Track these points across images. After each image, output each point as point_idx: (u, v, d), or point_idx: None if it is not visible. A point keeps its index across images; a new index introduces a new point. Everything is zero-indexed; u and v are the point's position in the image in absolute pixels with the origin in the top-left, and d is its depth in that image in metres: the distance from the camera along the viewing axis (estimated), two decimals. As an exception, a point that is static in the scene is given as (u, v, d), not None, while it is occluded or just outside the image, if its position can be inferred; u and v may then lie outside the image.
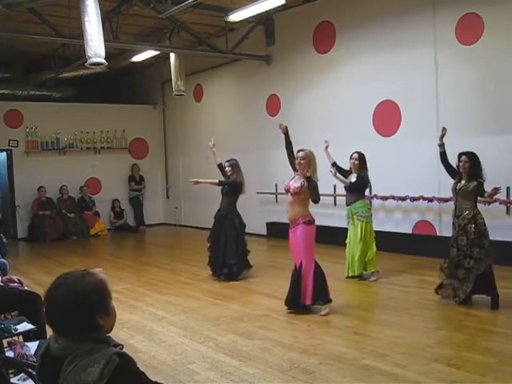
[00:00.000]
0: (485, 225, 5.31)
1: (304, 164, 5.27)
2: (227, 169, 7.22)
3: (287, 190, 5.40)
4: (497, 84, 7.12)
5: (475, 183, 5.30)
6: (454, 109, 7.56)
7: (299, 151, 5.38)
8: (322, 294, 5.33)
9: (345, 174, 6.87)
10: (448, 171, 5.72)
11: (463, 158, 5.38)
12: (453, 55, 7.55)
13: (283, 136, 5.86)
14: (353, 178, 6.74)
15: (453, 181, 5.59)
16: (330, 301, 5.36)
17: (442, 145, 5.84)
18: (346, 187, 6.85)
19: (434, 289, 5.66)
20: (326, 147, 6.93)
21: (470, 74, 7.36)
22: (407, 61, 8.04)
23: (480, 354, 4.10)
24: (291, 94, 10.13)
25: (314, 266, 5.32)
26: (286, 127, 5.88)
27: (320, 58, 9.50)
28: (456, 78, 7.51)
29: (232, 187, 7.16)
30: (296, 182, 5.34)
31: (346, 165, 6.93)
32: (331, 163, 6.88)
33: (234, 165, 7.22)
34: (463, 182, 5.40)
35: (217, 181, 7.26)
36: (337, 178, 6.68)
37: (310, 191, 5.22)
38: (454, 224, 5.50)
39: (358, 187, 6.73)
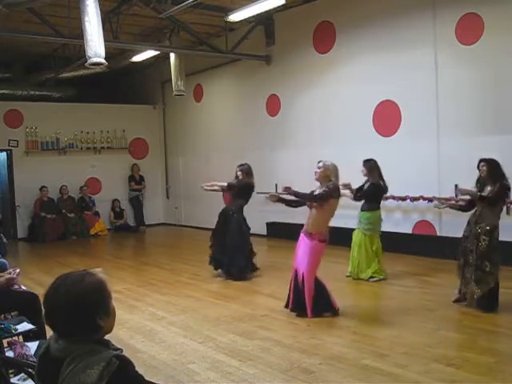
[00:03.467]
0: (498, 240, 5.18)
1: (320, 173, 5.17)
2: (238, 173, 7.22)
3: (310, 206, 5.22)
4: (497, 84, 7.12)
5: (498, 185, 5.12)
6: (454, 109, 7.56)
7: (319, 162, 5.28)
8: (326, 308, 5.26)
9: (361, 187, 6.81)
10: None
11: (482, 163, 5.25)
12: (453, 55, 7.55)
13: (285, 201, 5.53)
14: (365, 186, 6.70)
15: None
16: (337, 310, 5.27)
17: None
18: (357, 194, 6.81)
19: (452, 300, 5.51)
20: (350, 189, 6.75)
21: (470, 74, 7.35)
22: (407, 61, 8.04)
23: (480, 354, 4.09)
24: (291, 94, 10.13)
25: (314, 282, 5.20)
26: (279, 197, 5.48)
27: (320, 58, 9.49)
28: (456, 78, 7.51)
29: (239, 188, 7.14)
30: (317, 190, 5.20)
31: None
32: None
33: (244, 169, 7.21)
34: (489, 188, 5.20)
35: (225, 184, 7.27)
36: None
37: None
38: (469, 224, 5.35)
39: (367, 194, 6.67)
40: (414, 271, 7.10)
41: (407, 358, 4.04)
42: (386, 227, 8.38)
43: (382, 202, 8.48)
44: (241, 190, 7.18)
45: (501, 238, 6.91)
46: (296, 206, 5.50)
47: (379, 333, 4.72)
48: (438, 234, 7.81)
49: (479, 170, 5.29)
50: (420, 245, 7.93)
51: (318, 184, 5.26)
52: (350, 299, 5.98)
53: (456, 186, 5.72)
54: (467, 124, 7.42)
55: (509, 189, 5.25)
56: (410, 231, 8.31)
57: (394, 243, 8.15)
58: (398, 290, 6.27)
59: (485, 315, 5.05)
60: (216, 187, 7.51)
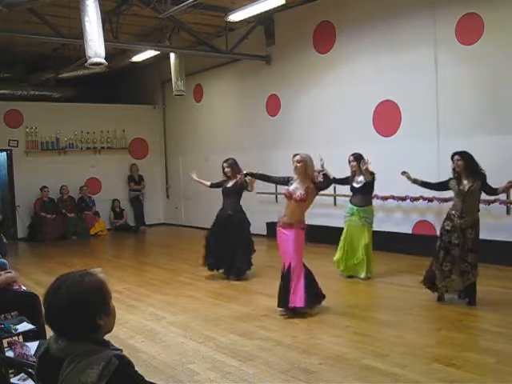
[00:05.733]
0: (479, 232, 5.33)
1: (300, 168, 5.26)
2: (226, 169, 7.19)
3: (289, 197, 5.29)
4: (497, 84, 7.12)
5: (479, 181, 5.24)
6: (454, 109, 7.56)
7: (295, 155, 5.35)
8: (315, 297, 5.31)
9: (346, 180, 6.85)
10: (438, 189, 5.82)
11: (456, 157, 5.36)
12: (453, 55, 7.55)
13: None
14: (361, 180, 6.67)
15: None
16: (324, 296, 5.37)
17: (415, 180, 5.83)
18: (352, 188, 6.79)
19: (422, 281, 5.66)
20: (322, 165, 6.82)
21: (470, 74, 7.35)
22: (407, 61, 8.04)
23: (480, 354, 4.10)
24: (291, 94, 10.13)
25: (303, 268, 5.27)
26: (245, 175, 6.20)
27: (320, 57, 9.49)
28: (456, 78, 7.51)
29: (236, 188, 7.12)
30: (298, 189, 5.23)
31: (346, 165, 6.91)
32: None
33: (233, 164, 7.19)
34: (465, 181, 5.30)
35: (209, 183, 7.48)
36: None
37: (324, 186, 5.42)
38: (450, 218, 5.38)
39: (368, 188, 6.69)
40: (414, 271, 7.08)
41: (407, 358, 4.04)
42: (386, 227, 8.42)
43: (381, 201, 8.53)
44: (237, 189, 7.16)
45: (501, 238, 6.95)
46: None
47: (379, 333, 4.72)
48: (438, 233, 7.80)
49: (454, 165, 5.36)
50: (420, 245, 7.91)
51: (295, 176, 5.36)
52: (349, 299, 5.98)
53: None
54: (467, 124, 7.41)
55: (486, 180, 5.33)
56: (409, 231, 8.31)
57: (393, 243, 8.16)
58: (398, 289, 6.26)
59: (484, 315, 5.07)
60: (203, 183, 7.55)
